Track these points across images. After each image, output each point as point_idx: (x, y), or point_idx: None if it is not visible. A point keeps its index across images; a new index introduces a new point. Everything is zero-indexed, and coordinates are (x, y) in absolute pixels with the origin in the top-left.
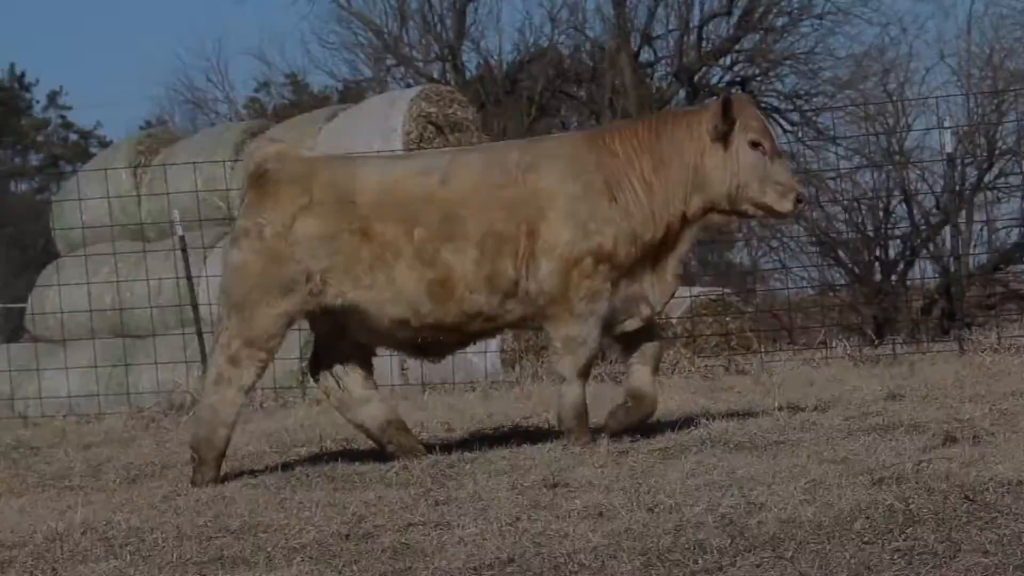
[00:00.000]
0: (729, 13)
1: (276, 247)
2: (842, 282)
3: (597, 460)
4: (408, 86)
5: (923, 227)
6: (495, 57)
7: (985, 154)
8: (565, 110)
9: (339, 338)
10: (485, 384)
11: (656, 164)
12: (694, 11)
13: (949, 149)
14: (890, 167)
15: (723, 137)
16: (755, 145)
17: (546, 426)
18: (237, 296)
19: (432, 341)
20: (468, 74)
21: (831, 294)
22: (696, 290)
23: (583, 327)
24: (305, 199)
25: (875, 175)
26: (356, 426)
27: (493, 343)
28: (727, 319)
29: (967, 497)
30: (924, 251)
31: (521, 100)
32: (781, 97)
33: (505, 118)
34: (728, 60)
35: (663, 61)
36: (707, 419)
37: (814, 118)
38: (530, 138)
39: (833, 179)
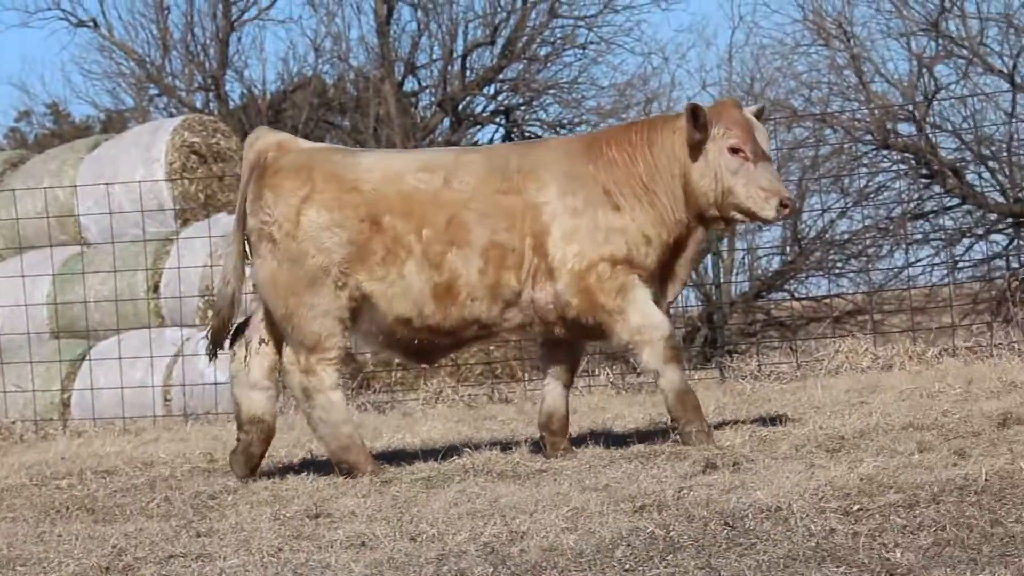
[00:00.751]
0: (492, 43)
1: (288, 247)
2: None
3: (360, 490)
4: (171, 116)
5: None
6: (259, 87)
7: None
8: (329, 139)
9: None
10: None
11: (651, 172)
12: (458, 41)
13: None
14: None
15: (699, 145)
16: (735, 151)
17: (309, 456)
18: (279, 309)
19: (427, 344)
20: (232, 103)
21: None
22: None
23: (635, 316)
24: (307, 189)
25: None
26: (234, 403)
27: None
28: (492, 348)
29: (727, 523)
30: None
31: (285, 129)
32: (545, 126)
33: None
34: (492, 89)
35: (427, 90)
36: (470, 448)
37: None
38: (527, 142)
39: None
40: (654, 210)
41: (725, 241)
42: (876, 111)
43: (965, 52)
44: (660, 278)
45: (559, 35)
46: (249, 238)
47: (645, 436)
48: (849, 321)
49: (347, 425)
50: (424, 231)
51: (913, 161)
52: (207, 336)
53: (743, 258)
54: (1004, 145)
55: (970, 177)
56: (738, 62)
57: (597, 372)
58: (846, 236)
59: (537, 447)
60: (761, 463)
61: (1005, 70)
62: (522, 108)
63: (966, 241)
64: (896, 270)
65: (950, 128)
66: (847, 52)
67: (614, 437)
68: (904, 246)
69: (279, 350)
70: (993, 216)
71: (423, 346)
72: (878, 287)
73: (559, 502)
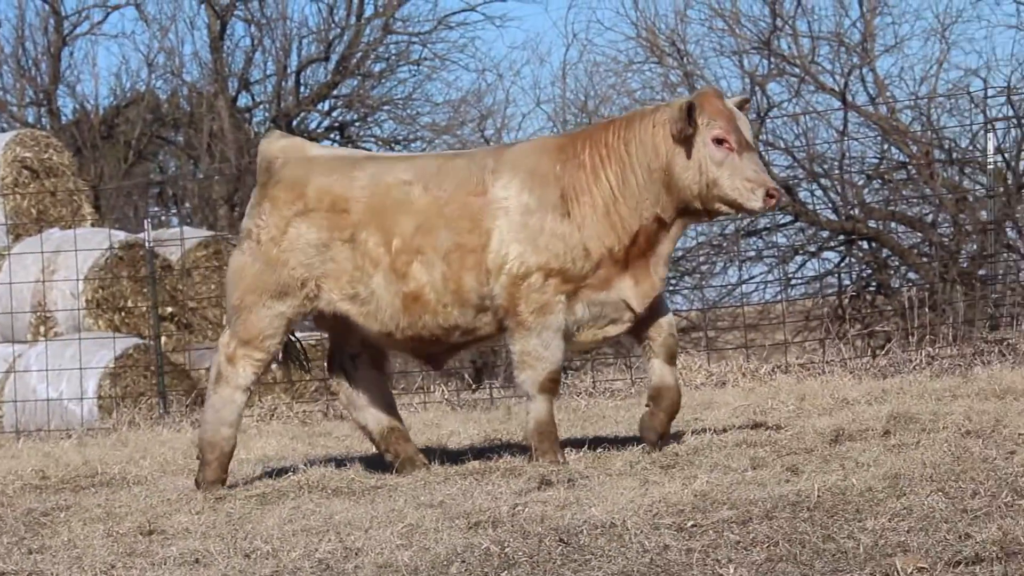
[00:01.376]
0: (327, 59)
1: (269, 252)
2: None
3: (194, 506)
4: (2, 131)
5: None
6: (91, 102)
7: None
8: (163, 155)
9: (346, 336)
10: (81, 431)
11: (624, 171)
12: (292, 57)
13: None
14: None
15: (687, 139)
16: (719, 142)
17: (144, 472)
18: (234, 297)
19: (420, 352)
20: (64, 118)
21: None
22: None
23: (537, 340)
24: (300, 205)
25: None
26: (360, 427)
27: (90, 389)
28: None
29: (561, 540)
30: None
31: (119, 145)
32: (380, 142)
33: (102, 163)
34: (326, 105)
35: (261, 106)
36: (305, 464)
37: None
38: (505, 143)
39: None
40: (607, 220)
41: None
42: None
43: (797, 70)
44: (630, 280)
45: (393, 51)
46: (239, 233)
47: (480, 453)
48: (683, 338)
49: (229, 429)
50: (394, 242)
51: None
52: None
53: None
54: (836, 163)
55: (803, 194)
56: (572, 79)
57: (433, 389)
58: (680, 253)
59: (372, 463)
60: (596, 479)
61: (837, 88)
62: (356, 124)
63: (799, 258)
64: (730, 287)
65: (783, 146)
66: (680, 70)
67: (449, 453)
68: (738, 263)
69: (373, 357)
70: (825, 233)
71: (418, 352)
72: (712, 304)
73: (394, 518)
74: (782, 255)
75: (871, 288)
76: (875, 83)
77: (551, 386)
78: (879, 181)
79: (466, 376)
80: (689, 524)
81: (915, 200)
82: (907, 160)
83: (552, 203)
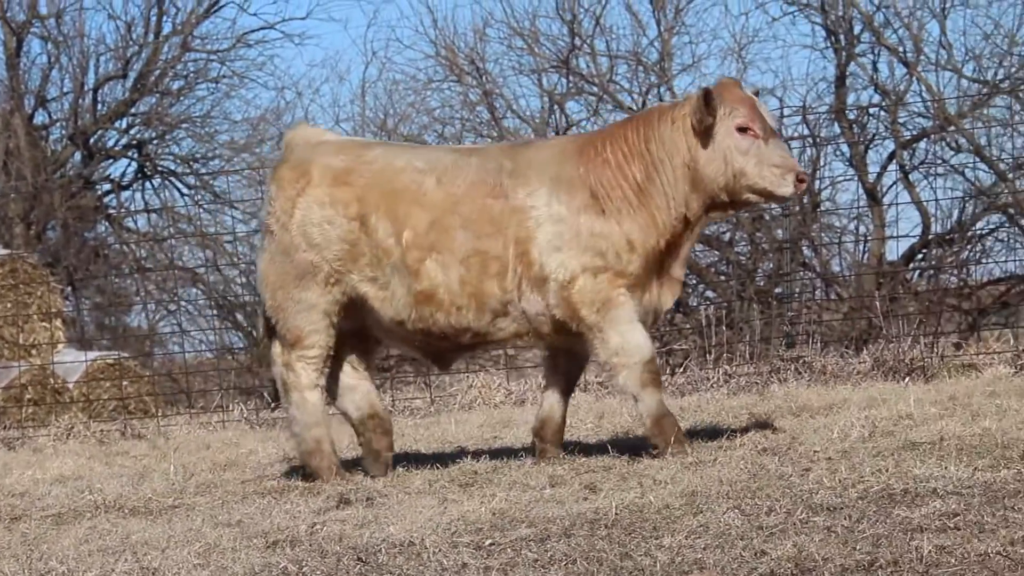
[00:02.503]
0: (124, 76)
1: (283, 240)
2: (241, 345)
3: None
4: None
5: None
6: None
7: None
8: None
9: (352, 323)
10: None
11: (648, 169)
12: (89, 74)
13: None
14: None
15: (708, 130)
16: (743, 130)
17: None
18: (267, 302)
19: (429, 348)
20: None
21: (230, 357)
22: (93, 354)
23: (616, 337)
24: (303, 182)
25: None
26: (341, 412)
27: None
28: (125, 383)
29: (360, 559)
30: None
31: None
32: (178, 160)
33: None
34: (124, 123)
35: (58, 124)
36: (101, 484)
37: (211, 181)
38: (520, 142)
39: (231, 242)
40: (644, 212)
41: None
42: None
43: (596, 89)
44: (654, 280)
45: (192, 69)
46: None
47: (279, 471)
48: (483, 357)
49: (317, 428)
50: (405, 234)
51: None
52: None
53: None
54: None
55: None
56: (371, 97)
57: (231, 407)
58: None
59: (170, 482)
60: (395, 498)
61: (634, 107)
62: (155, 142)
63: None
64: None
65: None
66: (480, 88)
67: (248, 472)
68: None
69: (360, 344)
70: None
71: (426, 347)
72: None
73: (191, 538)
74: None
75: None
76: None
77: (651, 376)
78: None
79: (265, 395)
80: (487, 542)
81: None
82: None
83: (584, 204)
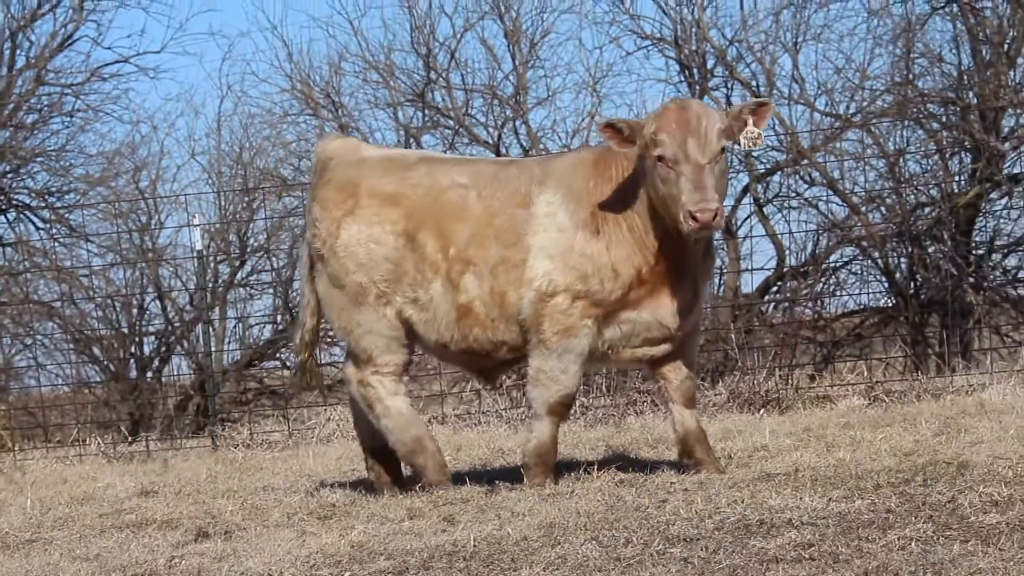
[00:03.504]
0: None
1: (331, 263)
2: (98, 379)
3: None
4: None
5: (178, 324)
6: None
7: (237, 251)
8: None
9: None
10: None
11: (644, 184)
12: None
13: (199, 246)
14: (144, 264)
15: (639, 157)
16: (661, 159)
17: None
18: (335, 325)
19: (472, 366)
20: None
21: (87, 391)
22: None
23: (556, 362)
24: (350, 204)
25: (129, 272)
26: (359, 434)
27: None
28: None
29: None
30: (179, 347)
31: None
32: (33, 194)
33: None
34: None
35: None
36: None
37: (67, 215)
38: (553, 154)
39: (87, 276)
40: (633, 236)
41: (216, 310)
42: None
43: (451, 122)
44: (666, 298)
45: (46, 102)
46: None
47: (136, 505)
48: (341, 389)
49: (413, 428)
50: (451, 249)
51: None
52: (297, 370)
53: (235, 327)
54: None
55: None
56: (227, 131)
57: (88, 441)
58: None
59: (27, 516)
60: (253, 531)
61: (491, 140)
62: (9, 176)
63: None
64: None
65: None
66: (336, 121)
67: (106, 506)
68: None
69: None
70: (301, 284)
71: (471, 366)
72: None
73: (49, 573)
74: None
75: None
76: (528, 135)
77: (561, 410)
78: None
79: (122, 428)
80: (346, 575)
81: None
82: None
83: (583, 221)
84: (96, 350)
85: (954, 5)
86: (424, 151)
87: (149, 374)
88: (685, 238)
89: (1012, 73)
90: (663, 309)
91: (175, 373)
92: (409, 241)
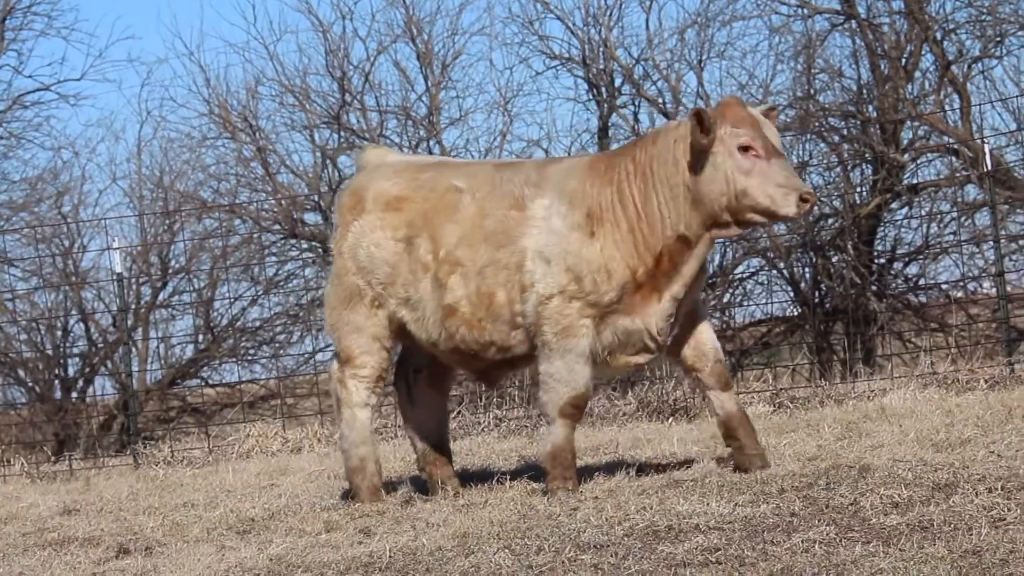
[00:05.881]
0: None
1: (337, 263)
2: (23, 400)
3: None
4: None
5: (101, 345)
6: None
7: (159, 273)
8: None
9: (412, 349)
10: None
11: (647, 188)
12: None
13: (119, 269)
14: (67, 287)
15: (706, 150)
16: (745, 149)
17: None
18: (327, 321)
19: (466, 366)
20: None
21: (12, 412)
22: None
23: (561, 363)
24: (358, 208)
25: (53, 295)
26: (408, 436)
27: None
28: None
29: None
30: (103, 368)
31: None
32: None
33: None
34: None
35: None
36: None
37: None
38: (549, 158)
39: (11, 300)
40: (631, 238)
41: (139, 331)
42: (283, 201)
43: (366, 143)
44: (656, 304)
45: None
46: None
47: (59, 524)
48: (262, 406)
49: (363, 447)
50: (441, 251)
51: (320, 249)
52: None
53: (157, 347)
54: None
55: None
56: (147, 155)
57: (12, 461)
58: (257, 323)
59: None
60: (173, 547)
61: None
62: None
63: None
64: (307, 355)
65: None
66: (253, 145)
67: (29, 525)
68: (314, 332)
69: (435, 371)
70: None
71: (464, 366)
72: (289, 372)
73: None
74: None
75: None
76: (441, 155)
77: (572, 411)
78: None
79: (46, 449)
80: None
81: None
82: None
83: (578, 223)
84: (21, 372)
85: (853, 21)
86: (442, 156)
87: (74, 395)
88: (693, 243)
89: (909, 87)
90: (654, 317)
91: (99, 393)
92: (408, 245)
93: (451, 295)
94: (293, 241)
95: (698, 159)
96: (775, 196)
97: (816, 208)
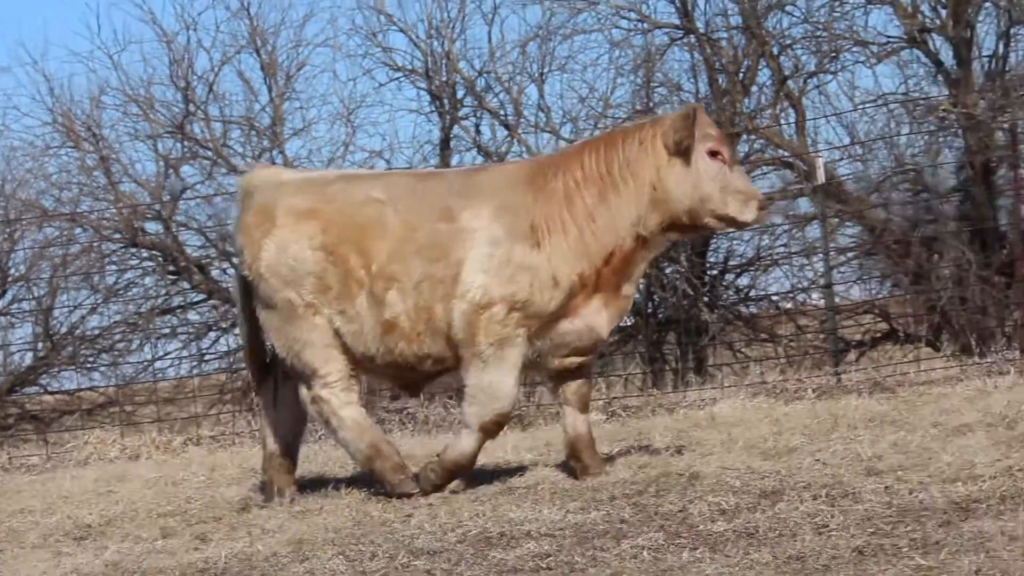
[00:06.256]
0: None
1: (262, 287)
2: None
3: None
4: None
5: None
6: None
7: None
8: None
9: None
10: None
11: (603, 191)
12: None
13: None
14: None
15: (685, 150)
16: (714, 154)
17: None
18: (277, 346)
19: (397, 378)
20: None
21: None
22: None
23: (491, 375)
24: (268, 226)
25: None
26: (262, 436)
27: None
28: None
29: None
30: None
31: None
32: None
33: None
34: None
35: None
36: None
37: None
38: (475, 166)
39: None
40: (581, 244)
41: None
42: (124, 210)
43: (210, 153)
44: (599, 303)
45: None
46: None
47: None
48: (101, 413)
49: (368, 434)
50: (373, 266)
51: (161, 258)
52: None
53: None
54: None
55: (215, 273)
56: None
57: None
58: (97, 331)
59: None
60: (10, 552)
61: (248, 170)
62: None
63: (212, 334)
64: (145, 363)
65: (196, 226)
66: (96, 153)
67: None
68: (153, 340)
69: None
70: (236, 310)
71: (397, 379)
72: (128, 380)
73: None
74: (196, 331)
75: None
76: (284, 165)
77: (494, 428)
78: None
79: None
80: None
81: None
82: None
83: (522, 233)
84: None
85: (691, 36)
86: (344, 170)
87: None
88: (648, 243)
89: (746, 100)
90: (598, 316)
91: None
92: (329, 255)
93: (390, 311)
94: (134, 250)
95: (669, 161)
96: (735, 203)
97: None
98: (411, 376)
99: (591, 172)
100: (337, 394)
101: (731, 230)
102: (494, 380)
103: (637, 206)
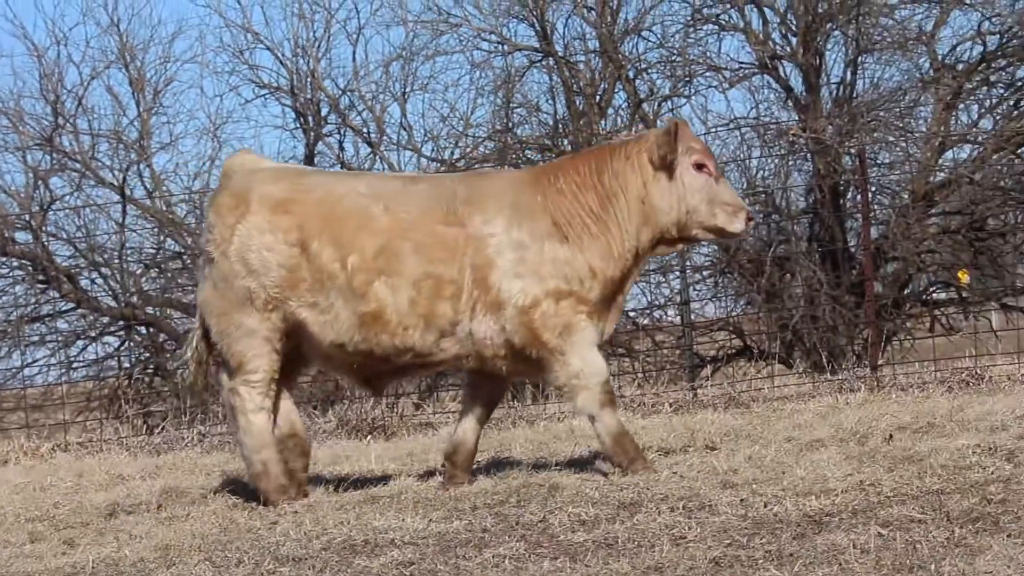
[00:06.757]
0: None
1: (222, 267)
2: None
3: None
4: None
5: None
6: None
7: None
8: None
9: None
10: None
11: (602, 200)
12: None
13: None
14: None
15: (669, 164)
16: (700, 167)
17: None
18: (213, 329)
19: (366, 370)
20: None
21: None
22: None
23: (574, 360)
24: (242, 210)
25: None
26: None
27: None
28: None
29: None
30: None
31: None
32: None
33: None
34: None
35: None
36: None
37: None
38: (473, 172)
39: None
40: (603, 241)
41: None
42: None
43: (79, 165)
44: (606, 313)
45: None
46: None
47: None
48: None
49: (264, 451)
50: (350, 259)
51: (30, 267)
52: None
53: None
54: (116, 253)
55: (84, 282)
56: None
57: None
58: None
59: None
60: None
61: (116, 183)
62: None
63: (80, 343)
64: (14, 370)
65: (65, 236)
66: None
67: None
68: (22, 347)
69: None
70: (106, 319)
71: (362, 371)
72: None
73: None
74: (65, 340)
75: (149, 370)
76: (152, 178)
77: (608, 396)
78: (156, 270)
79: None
80: None
81: (190, 288)
82: (183, 250)
83: (546, 232)
84: None
85: (550, 59)
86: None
87: None
88: (638, 258)
89: (603, 122)
90: (606, 322)
91: None
92: (304, 250)
93: (375, 303)
94: (3, 259)
95: (654, 175)
96: (723, 215)
97: None
98: (382, 368)
99: (587, 180)
100: (255, 396)
101: (722, 241)
102: (578, 363)
103: (632, 220)
